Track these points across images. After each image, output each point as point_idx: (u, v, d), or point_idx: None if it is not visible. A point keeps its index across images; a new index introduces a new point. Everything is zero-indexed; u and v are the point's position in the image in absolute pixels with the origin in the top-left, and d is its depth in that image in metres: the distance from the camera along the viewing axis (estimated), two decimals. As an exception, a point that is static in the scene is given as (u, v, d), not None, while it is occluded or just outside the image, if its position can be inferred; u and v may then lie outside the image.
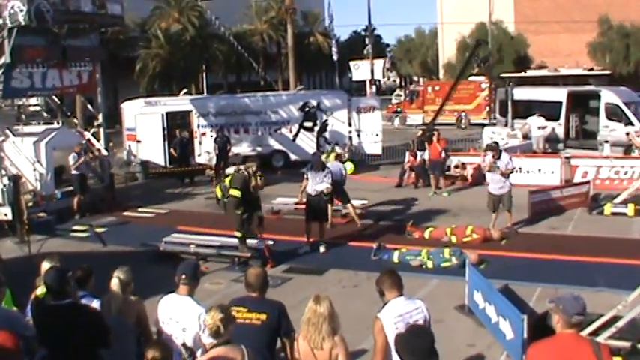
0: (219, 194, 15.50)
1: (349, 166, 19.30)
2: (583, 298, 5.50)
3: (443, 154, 23.83)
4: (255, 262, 14.48)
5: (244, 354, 6.02)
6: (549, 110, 31.23)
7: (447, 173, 24.74)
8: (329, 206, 18.14)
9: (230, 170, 15.62)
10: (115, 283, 7.48)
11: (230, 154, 27.62)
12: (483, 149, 28.11)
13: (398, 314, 6.38)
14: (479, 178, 24.38)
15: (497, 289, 11.02)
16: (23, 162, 21.13)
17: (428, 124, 34.12)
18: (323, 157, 19.75)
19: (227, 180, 15.43)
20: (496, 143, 18.55)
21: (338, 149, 20.66)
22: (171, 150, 28.32)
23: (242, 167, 15.66)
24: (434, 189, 23.13)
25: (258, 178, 15.25)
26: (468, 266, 12.15)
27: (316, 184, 16.46)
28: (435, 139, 24.11)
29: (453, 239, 16.40)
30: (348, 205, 18.94)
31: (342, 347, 6.18)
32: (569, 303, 5.36)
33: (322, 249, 16.19)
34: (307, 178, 16.84)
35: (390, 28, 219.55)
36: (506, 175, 16.98)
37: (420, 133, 26.12)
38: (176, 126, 29.21)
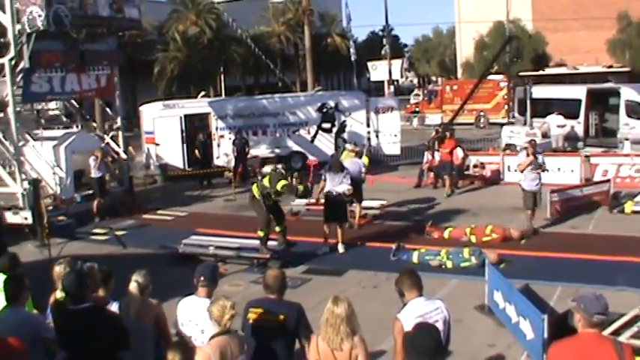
0: (256, 192, 15.46)
1: (364, 159, 19.24)
2: (605, 298, 5.46)
3: (459, 155, 23.73)
4: (274, 263, 14.48)
5: (243, 342, 6.35)
6: (568, 108, 31.06)
7: (465, 173, 24.68)
8: (356, 207, 18.29)
9: (267, 170, 15.65)
10: (133, 287, 7.52)
11: (249, 156, 27.69)
12: (502, 148, 28.23)
13: (417, 315, 6.35)
14: (497, 178, 24.42)
15: (518, 289, 10.95)
16: (43, 166, 21.28)
17: (446, 123, 34.00)
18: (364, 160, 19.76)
19: (266, 179, 15.38)
20: (534, 140, 18.55)
21: (349, 146, 20.57)
22: (195, 151, 28.38)
23: (279, 166, 15.71)
24: (447, 189, 23.02)
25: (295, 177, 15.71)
26: (487, 266, 12.08)
27: (335, 185, 16.44)
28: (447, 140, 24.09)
29: (473, 239, 16.33)
30: (356, 204, 18.82)
31: (362, 348, 6.16)
32: (591, 302, 5.32)
33: (341, 250, 16.18)
34: (325, 179, 16.83)
35: (407, 28, 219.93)
36: (540, 172, 16.98)
37: (434, 133, 26.01)
38: (194, 128, 29.32)
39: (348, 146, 20.81)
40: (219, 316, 6.37)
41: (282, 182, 15.02)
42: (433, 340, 5.16)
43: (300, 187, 15.55)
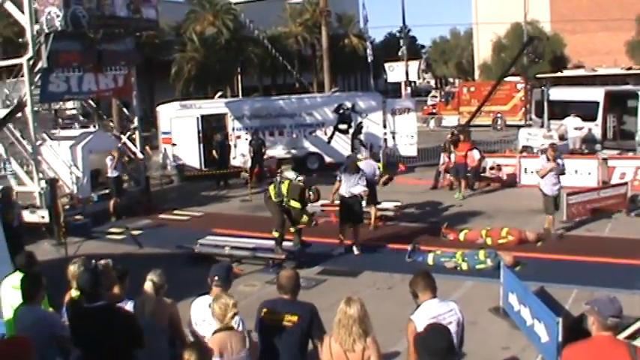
0: (272, 194, 15.50)
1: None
2: (619, 301, 5.44)
3: (476, 157, 23.68)
4: (289, 264, 14.50)
5: (245, 338, 6.41)
6: (586, 110, 30.85)
7: (482, 175, 24.62)
8: (372, 209, 18.36)
9: (289, 175, 15.66)
10: (148, 286, 7.56)
11: (265, 156, 27.74)
12: (519, 151, 28.11)
13: (431, 316, 6.35)
14: (513, 180, 24.33)
15: (533, 292, 10.91)
16: (60, 165, 21.44)
17: (462, 125, 33.88)
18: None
19: (284, 185, 15.37)
20: (555, 144, 18.43)
21: (361, 156, 20.67)
22: (212, 152, 28.46)
23: (301, 178, 15.68)
24: (462, 191, 22.97)
25: (312, 192, 15.61)
26: (502, 268, 12.05)
27: (350, 186, 16.45)
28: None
29: (488, 241, 16.29)
30: (372, 206, 18.81)
31: (374, 349, 6.17)
32: (605, 305, 5.31)
33: (356, 251, 16.19)
34: (340, 180, 16.83)
35: (425, 30, 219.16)
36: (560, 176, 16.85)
37: (450, 135, 25.95)
38: (211, 129, 29.40)
39: (360, 156, 20.89)
40: (221, 314, 6.46)
41: (297, 204, 15.16)
42: (445, 341, 5.17)
43: (304, 219, 15.54)
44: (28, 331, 7.01)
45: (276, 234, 15.38)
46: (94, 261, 8.11)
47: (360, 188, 16.44)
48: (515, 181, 24.67)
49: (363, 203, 17.20)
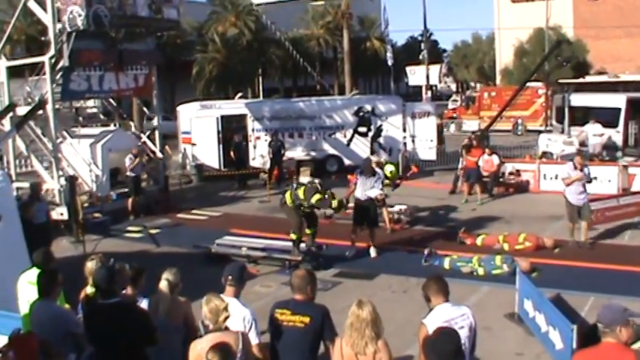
0: (288, 200, 15.52)
1: (390, 168, 19.17)
2: (630, 309, 5.42)
3: (495, 162, 23.64)
4: (305, 265, 14.51)
5: (238, 339, 6.35)
6: (607, 117, 30.71)
7: (500, 180, 24.56)
8: (384, 211, 18.34)
9: (303, 180, 15.72)
10: (163, 285, 7.60)
11: (284, 158, 27.79)
12: (539, 156, 27.97)
13: (443, 320, 6.34)
14: (533, 186, 24.24)
15: (549, 298, 10.87)
16: (80, 163, 21.62)
17: (482, 130, 33.77)
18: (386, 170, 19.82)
19: (300, 191, 15.38)
20: (582, 151, 18.15)
21: (374, 158, 20.72)
22: (231, 152, 28.53)
23: (317, 180, 15.76)
24: (479, 197, 22.92)
25: (327, 195, 15.56)
26: (518, 274, 12.01)
27: (366, 189, 16.45)
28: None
29: (506, 247, 16.21)
30: (384, 209, 18.80)
31: (386, 352, 6.16)
32: (615, 313, 5.30)
33: (373, 254, 16.19)
34: (356, 183, 16.83)
35: (446, 34, 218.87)
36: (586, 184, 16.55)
37: (467, 139, 25.90)
38: (231, 129, 29.49)
39: (373, 158, 20.90)
40: (213, 318, 6.46)
41: (318, 196, 15.12)
42: (453, 345, 5.16)
43: (334, 202, 15.55)
44: (43, 326, 7.07)
45: (293, 236, 15.43)
46: (112, 259, 8.17)
47: (376, 191, 16.44)
48: (528, 187, 24.57)
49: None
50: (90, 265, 8.15)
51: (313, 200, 15.12)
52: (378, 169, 17.66)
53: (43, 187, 16.87)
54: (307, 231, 15.69)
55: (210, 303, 6.52)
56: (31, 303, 7.58)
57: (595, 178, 22.19)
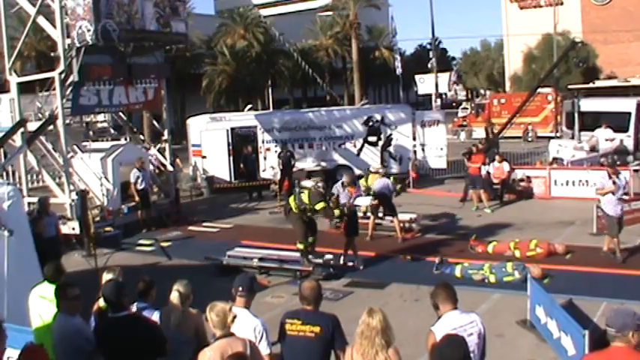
0: (293, 206, 15.52)
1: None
2: (638, 314, 5.41)
3: (505, 168, 23.65)
4: (316, 275, 14.54)
5: (246, 345, 6.36)
6: (618, 122, 30.65)
7: (511, 186, 24.56)
8: (394, 220, 18.55)
9: (306, 184, 15.73)
10: (174, 296, 7.62)
11: (295, 169, 27.82)
12: (549, 162, 27.89)
13: (452, 327, 6.34)
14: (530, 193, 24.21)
15: (561, 305, 10.86)
16: (91, 177, 21.70)
17: (494, 135, 33.67)
18: (362, 181, 19.94)
19: (304, 195, 15.41)
20: (612, 158, 17.93)
21: (372, 168, 20.84)
22: (241, 164, 28.60)
23: (320, 184, 15.80)
24: (486, 203, 22.93)
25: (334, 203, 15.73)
26: (530, 281, 11.99)
27: (346, 199, 16.54)
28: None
29: (517, 253, 16.17)
30: (394, 218, 18.86)
31: (397, 360, 6.17)
32: (624, 317, 5.31)
33: (353, 263, 16.22)
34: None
35: (455, 41, 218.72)
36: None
37: (475, 147, 25.92)
38: (241, 141, 29.56)
39: (372, 168, 21.00)
40: (221, 321, 6.46)
41: (322, 204, 15.11)
42: (460, 351, 5.16)
43: (337, 212, 15.64)
44: (63, 341, 7.09)
45: (300, 246, 15.45)
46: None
47: (368, 199, 16.70)
48: (532, 193, 24.54)
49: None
50: (107, 277, 8.20)
51: (317, 207, 15.12)
52: (384, 179, 18.09)
53: (50, 201, 16.90)
54: (309, 239, 15.68)
55: (215, 307, 6.53)
56: (53, 316, 7.60)
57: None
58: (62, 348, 7.01)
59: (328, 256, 16.21)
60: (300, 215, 15.39)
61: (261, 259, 16.06)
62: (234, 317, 6.53)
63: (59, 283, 7.93)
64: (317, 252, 16.04)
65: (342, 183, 17.02)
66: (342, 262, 16.11)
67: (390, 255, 16.92)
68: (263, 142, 29.67)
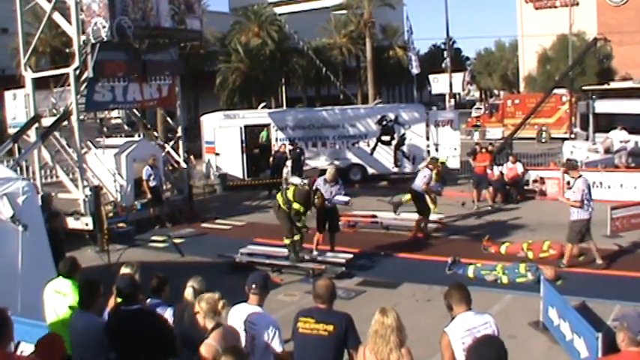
0: (281, 202, 15.63)
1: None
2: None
3: (519, 169, 23.58)
4: (329, 274, 14.56)
5: (239, 335, 6.60)
6: (632, 123, 30.47)
7: (525, 187, 24.50)
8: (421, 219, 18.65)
9: (294, 181, 15.74)
10: (188, 293, 7.64)
11: (306, 166, 27.81)
12: (562, 164, 27.74)
13: (466, 329, 6.34)
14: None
15: (574, 306, 10.80)
16: (104, 173, 21.80)
17: (506, 137, 33.60)
18: (421, 165, 19.90)
19: (290, 191, 15.59)
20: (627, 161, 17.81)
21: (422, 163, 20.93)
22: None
23: (306, 182, 15.86)
24: (490, 202, 23.03)
25: (317, 197, 15.80)
26: (542, 282, 11.94)
27: (328, 196, 16.49)
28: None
29: (530, 255, 16.12)
30: (421, 216, 18.87)
31: (409, 359, 6.16)
32: (634, 320, 5.23)
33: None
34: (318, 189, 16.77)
35: (470, 41, 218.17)
36: None
37: (478, 145, 25.87)
38: (255, 139, 29.59)
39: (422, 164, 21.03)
40: (211, 308, 6.53)
41: (297, 206, 15.32)
42: (496, 351, 5.08)
43: (299, 224, 15.64)
44: (80, 337, 7.10)
45: (286, 241, 15.66)
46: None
47: (346, 197, 16.95)
48: (534, 195, 24.50)
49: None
50: (124, 271, 8.21)
51: (294, 207, 15.33)
52: (427, 170, 18.74)
53: (59, 196, 16.93)
54: (295, 237, 15.71)
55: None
56: (71, 312, 7.62)
57: (621, 185, 22.26)
58: (86, 344, 7.01)
59: (315, 253, 16.22)
60: (286, 211, 15.48)
61: (273, 257, 16.13)
62: (225, 305, 6.56)
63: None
64: (304, 248, 16.12)
65: (325, 179, 16.98)
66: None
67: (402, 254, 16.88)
68: (276, 139, 29.71)
